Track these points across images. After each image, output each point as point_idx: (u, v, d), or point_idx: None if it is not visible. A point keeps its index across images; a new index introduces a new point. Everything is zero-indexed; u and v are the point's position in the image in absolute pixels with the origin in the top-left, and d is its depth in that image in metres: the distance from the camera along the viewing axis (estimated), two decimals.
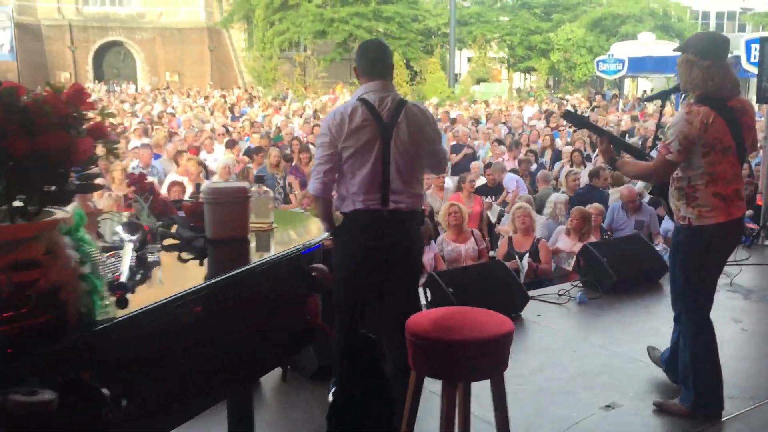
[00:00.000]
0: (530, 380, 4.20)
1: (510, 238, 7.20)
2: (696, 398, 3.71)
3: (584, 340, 4.87)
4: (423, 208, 3.71)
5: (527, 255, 6.93)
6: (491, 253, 7.72)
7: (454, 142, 13.23)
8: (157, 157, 11.26)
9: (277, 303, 2.25)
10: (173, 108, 21.16)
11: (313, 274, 2.30)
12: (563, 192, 8.79)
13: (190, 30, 44.12)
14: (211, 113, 19.55)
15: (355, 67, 3.56)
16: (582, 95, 28.26)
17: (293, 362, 4.16)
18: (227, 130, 14.10)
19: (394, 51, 27.61)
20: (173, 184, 8.30)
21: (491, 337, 2.59)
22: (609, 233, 7.58)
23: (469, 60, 37.07)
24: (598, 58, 25.00)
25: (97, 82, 40.00)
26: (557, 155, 12.13)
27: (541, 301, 5.59)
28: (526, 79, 41.27)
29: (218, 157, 11.33)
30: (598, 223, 7.51)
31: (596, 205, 7.55)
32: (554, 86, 38.39)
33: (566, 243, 7.23)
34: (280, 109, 21.39)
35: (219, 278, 1.97)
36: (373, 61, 3.47)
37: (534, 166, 11.34)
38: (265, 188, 2.70)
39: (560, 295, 5.68)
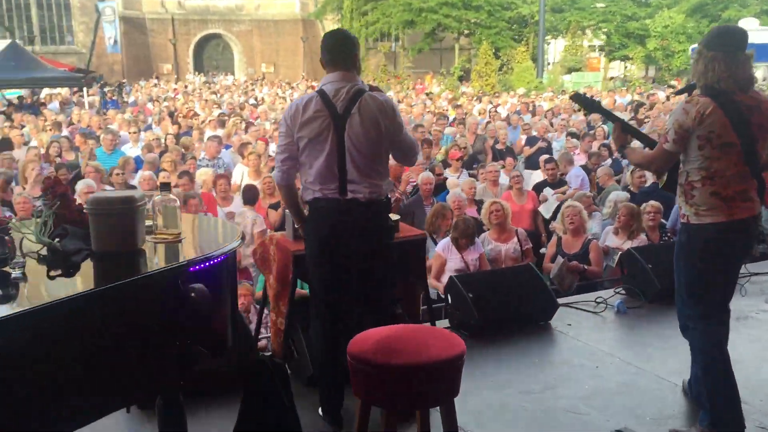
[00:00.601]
0: (539, 398, 3.91)
1: (559, 239, 6.83)
2: (713, 418, 3.36)
3: (611, 354, 4.49)
4: (389, 197, 3.70)
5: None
6: (542, 250, 7.39)
7: (525, 135, 12.80)
8: (228, 148, 11.42)
9: (139, 328, 2.08)
10: (255, 99, 21.42)
11: (192, 294, 2.13)
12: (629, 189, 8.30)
13: (285, 22, 44.96)
14: None
15: (320, 58, 3.54)
16: (681, 84, 26.84)
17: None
18: None
19: (483, 40, 27.19)
20: (218, 177, 8.36)
21: (436, 360, 2.36)
22: (669, 235, 7.08)
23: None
24: (692, 46, 23.57)
25: (196, 73, 41.38)
26: None
27: (576, 308, 5.24)
28: (626, 68, 39.64)
29: None
30: (656, 223, 7.02)
31: (653, 202, 7.03)
32: (655, 75, 36.68)
33: (614, 242, 6.81)
34: None
35: (49, 302, 1.81)
36: (334, 52, 3.47)
37: (608, 161, 10.78)
38: (172, 196, 2.56)
39: (598, 303, 5.30)
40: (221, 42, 45.87)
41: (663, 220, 7.52)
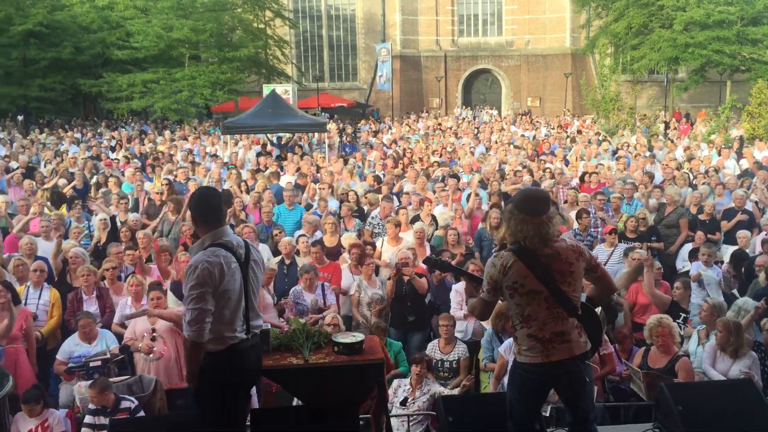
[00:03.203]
0: None
1: (647, 350, 6.27)
2: None
3: None
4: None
5: None
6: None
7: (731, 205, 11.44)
8: None
9: None
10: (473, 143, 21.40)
11: None
12: None
13: (554, 56, 44.75)
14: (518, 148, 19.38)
15: (197, 214, 3.97)
16: None
17: None
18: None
19: (759, 77, 24.13)
20: (353, 246, 8.86)
21: None
22: None
23: None
24: None
25: (464, 107, 42.98)
26: None
27: None
28: None
29: None
30: None
31: None
32: None
33: (724, 364, 6.09)
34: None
35: None
36: (211, 212, 3.93)
37: None
38: None
39: None
40: (490, 77, 47.04)
41: None
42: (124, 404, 6.02)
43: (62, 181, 13.53)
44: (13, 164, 16.32)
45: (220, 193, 4.26)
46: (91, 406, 6.01)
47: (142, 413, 6.02)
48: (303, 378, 4.26)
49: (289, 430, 4.33)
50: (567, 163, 17.33)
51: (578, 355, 3.85)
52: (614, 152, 19.45)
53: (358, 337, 4.41)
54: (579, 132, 26.01)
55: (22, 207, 10.46)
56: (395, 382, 6.50)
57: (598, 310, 4.46)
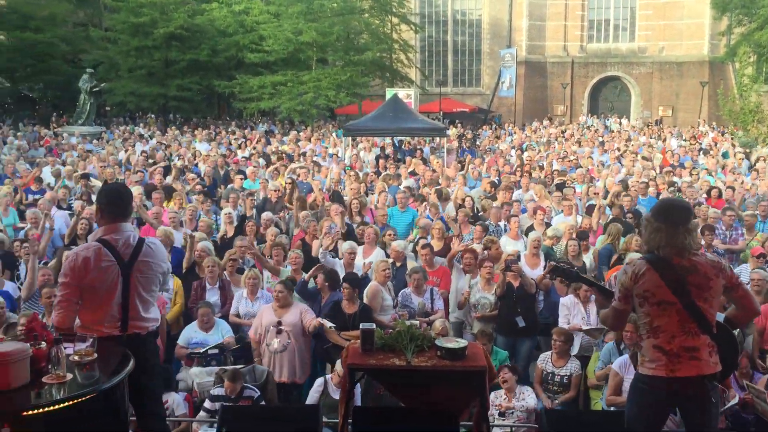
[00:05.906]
0: None
1: None
2: None
3: None
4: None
5: None
6: None
7: None
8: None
9: None
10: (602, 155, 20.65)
11: None
12: None
13: (690, 64, 42.66)
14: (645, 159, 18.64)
15: (99, 207, 4.04)
16: None
17: None
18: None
19: None
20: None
21: None
22: None
23: None
24: None
25: (590, 115, 41.72)
26: None
27: None
28: None
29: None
30: None
31: None
32: None
33: None
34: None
35: None
36: (114, 205, 4.01)
37: None
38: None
39: None
40: (619, 84, 45.48)
41: None
42: (247, 393, 6.23)
43: (191, 176, 14.32)
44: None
45: (124, 190, 4.26)
46: (213, 391, 6.26)
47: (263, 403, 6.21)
48: (404, 379, 4.30)
49: (388, 431, 4.36)
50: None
51: (707, 375, 3.64)
52: (751, 167, 18.38)
53: (461, 342, 4.38)
54: (715, 144, 24.67)
55: (156, 199, 11.15)
56: (493, 393, 6.42)
57: (736, 332, 4.20)
